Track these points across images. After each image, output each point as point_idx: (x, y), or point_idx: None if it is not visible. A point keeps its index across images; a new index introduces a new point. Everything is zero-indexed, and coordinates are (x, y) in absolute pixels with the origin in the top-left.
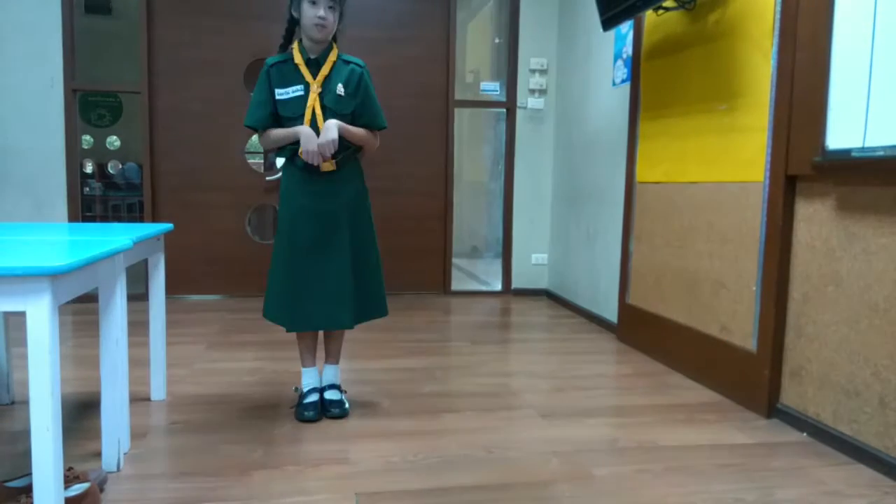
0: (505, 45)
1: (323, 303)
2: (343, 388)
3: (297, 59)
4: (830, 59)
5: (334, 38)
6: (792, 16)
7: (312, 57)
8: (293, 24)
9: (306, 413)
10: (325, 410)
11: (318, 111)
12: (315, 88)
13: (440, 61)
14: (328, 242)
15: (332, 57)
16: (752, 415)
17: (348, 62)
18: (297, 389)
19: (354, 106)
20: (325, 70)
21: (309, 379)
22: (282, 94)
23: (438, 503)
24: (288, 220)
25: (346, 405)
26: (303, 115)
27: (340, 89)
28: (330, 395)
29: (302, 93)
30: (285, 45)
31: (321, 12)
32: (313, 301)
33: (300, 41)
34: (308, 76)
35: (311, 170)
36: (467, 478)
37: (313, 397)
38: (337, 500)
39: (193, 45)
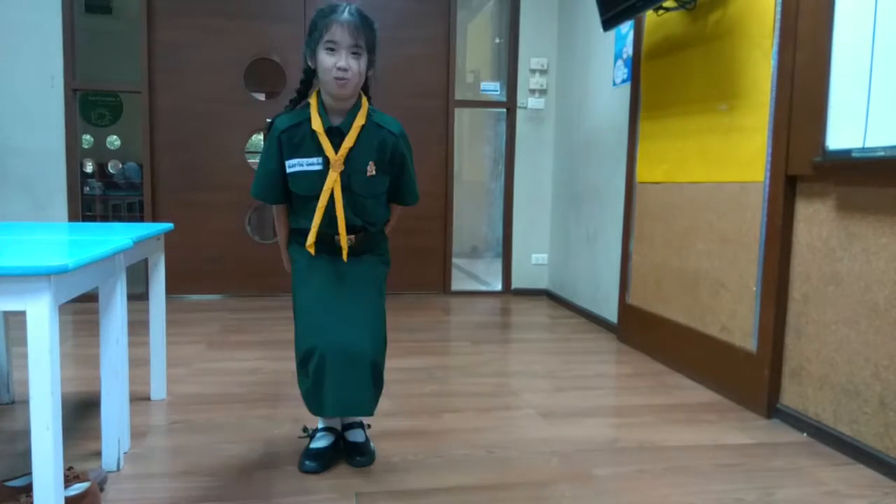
0: (505, 45)
1: (341, 387)
2: (367, 422)
3: (316, 124)
4: (830, 59)
5: (366, 90)
6: (792, 16)
7: (335, 124)
8: (310, 76)
9: (307, 463)
10: (348, 457)
11: (338, 196)
12: (336, 165)
13: (440, 61)
14: (348, 317)
15: (360, 120)
16: (752, 415)
17: (381, 126)
18: (305, 430)
19: (388, 183)
20: (349, 140)
21: (325, 421)
22: (294, 164)
23: (438, 503)
24: (304, 306)
25: (372, 447)
26: (318, 197)
27: (371, 168)
28: (354, 436)
29: (320, 167)
30: (298, 101)
31: (342, 61)
32: (329, 384)
33: (319, 94)
34: (328, 149)
35: (323, 251)
36: (467, 478)
37: (324, 441)
38: (337, 500)
39: (193, 45)
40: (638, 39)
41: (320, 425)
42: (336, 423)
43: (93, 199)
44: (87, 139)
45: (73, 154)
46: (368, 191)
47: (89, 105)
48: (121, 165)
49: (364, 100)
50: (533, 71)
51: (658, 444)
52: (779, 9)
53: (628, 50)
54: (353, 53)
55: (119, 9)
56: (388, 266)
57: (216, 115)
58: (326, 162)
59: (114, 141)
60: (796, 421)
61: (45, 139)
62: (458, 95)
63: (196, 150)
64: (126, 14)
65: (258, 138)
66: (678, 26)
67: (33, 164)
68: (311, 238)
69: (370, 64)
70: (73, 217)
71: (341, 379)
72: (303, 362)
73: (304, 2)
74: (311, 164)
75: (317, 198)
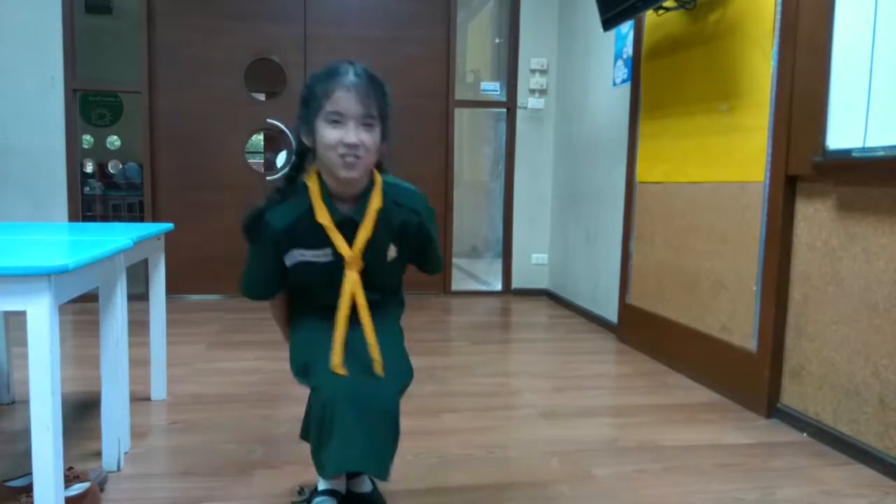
0: (505, 45)
1: (350, 443)
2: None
3: (322, 217)
4: (830, 59)
5: (378, 165)
6: (792, 16)
7: (346, 213)
8: (303, 158)
9: None
10: None
11: (362, 301)
12: (354, 264)
13: (440, 61)
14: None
15: (376, 203)
16: (752, 415)
17: (399, 205)
18: (301, 492)
19: (408, 255)
20: (365, 232)
21: (326, 483)
22: (296, 255)
23: (438, 503)
24: (306, 340)
25: (383, 498)
26: (328, 283)
27: (392, 251)
28: (360, 485)
29: (329, 258)
30: (288, 187)
31: (351, 136)
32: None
33: (320, 176)
34: (341, 246)
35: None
36: (467, 478)
37: None
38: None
39: (194, 44)
40: (638, 39)
41: (321, 487)
42: (341, 485)
43: (93, 199)
44: (88, 139)
45: (73, 154)
46: (389, 275)
47: (89, 105)
48: (121, 165)
49: (377, 176)
50: (533, 71)
51: (658, 443)
52: (779, 9)
53: (628, 50)
54: (365, 125)
55: (119, 9)
56: (403, 307)
57: (216, 115)
58: (338, 257)
59: (114, 141)
60: (796, 421)
61: (45, 139)
62: (458, 95)
63: (196, 150)
64: (126, 14)
65: (258, 138)
66: (678, 26)
67: (33, 164)
68: (335, 357)
69: (384, 136)
70: (73, 217)
71: (353, 433)
72: (309, 410)
73: (305, 2)
74: (317, 255)
75: (326, 286)
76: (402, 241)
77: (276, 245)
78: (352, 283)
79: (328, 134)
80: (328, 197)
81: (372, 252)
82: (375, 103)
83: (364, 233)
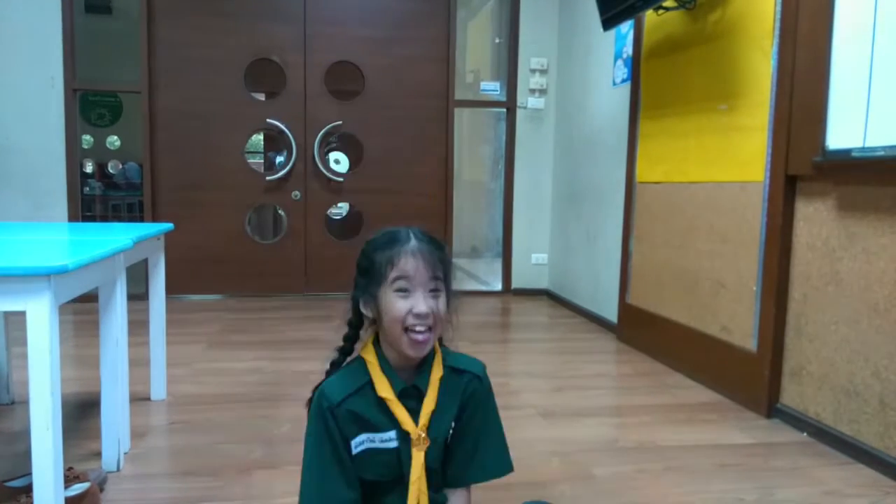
0: (505, 44)
1: None
2: None
3: (383, 389)
4: (830, 58)
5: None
6: (792, 15)
7: (410, 383)
8: (358, 327)
9: None
10: None
11: (424, 489)
12: (420, 441)
13: (440, 61)
14: None
15: (438, 371)
16: (752, 415)
17: (461, 371)
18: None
19: (462, 441)
20: (430, 402)
21: None
22: (362, 442)
23: None
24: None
25: None
26: (398, 480)
27: (453, 426)
28: None
29: (395, 443)
30: (342, 360)
31: (421, 305)
32: None
33: (376, 344)
34: (405, 420)
35: None
36: None
37: None
38: None
39: (194, 44)
40: (638, 39)
41: None
42: None
43: (93, 200)
44: (87, 139)
45: (73, 154)
46: (449, 455)
47: (89, 105)
48: (121, 165)
49: (436, 344)
50: (533, 71)
51: (658, 443)
52: (779, 9)
53: (628, 50)
54: (432, 291)
55: (119, 9)
56: None
57: (216, 115)
58: (404, 438)
59: (114, 141)
60: (796, 421)
61: (45, 139)
62: (458, 95)
63: (196, 150)
64: (126, 14)
65: (258, 138)
66: (678, 26)
67: (33, 164)
68: None
69: (449, 298)
70: (73, 217)
71: None
72: None
73: (305, 2)
74: (384, 440)
75: (397, 484)
76: (461, 415)
77: (336, 423)
78: (419, 466)
79: (396, 305)
80: (388, 367)
81: (436, 429)
82: (441, 267)
83: (429, 403)
